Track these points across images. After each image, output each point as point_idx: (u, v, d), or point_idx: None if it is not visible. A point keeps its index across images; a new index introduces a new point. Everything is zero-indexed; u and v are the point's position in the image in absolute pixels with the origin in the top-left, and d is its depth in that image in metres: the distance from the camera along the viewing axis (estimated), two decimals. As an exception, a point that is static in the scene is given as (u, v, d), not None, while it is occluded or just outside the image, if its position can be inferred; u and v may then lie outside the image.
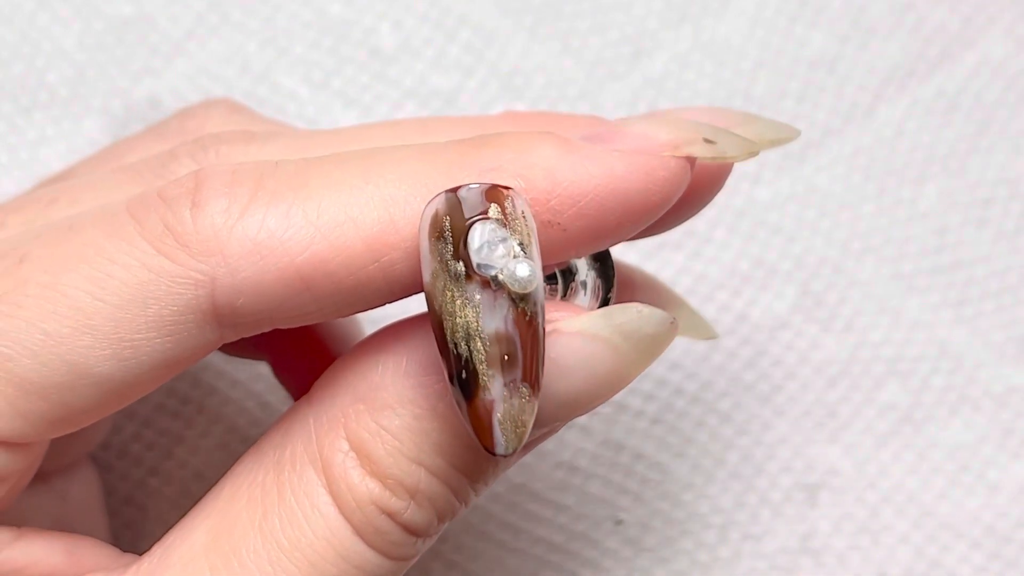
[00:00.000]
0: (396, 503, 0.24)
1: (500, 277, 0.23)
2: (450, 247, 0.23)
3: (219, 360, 0.37)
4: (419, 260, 0.24)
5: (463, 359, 0.23)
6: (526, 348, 0.23)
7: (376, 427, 0.24)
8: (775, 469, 0.37)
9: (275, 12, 0.39)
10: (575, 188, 0.24)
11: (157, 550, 0.25)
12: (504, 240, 0.23)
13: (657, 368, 0.37)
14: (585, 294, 0.27)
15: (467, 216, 0.23)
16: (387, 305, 0.25)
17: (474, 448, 0.24)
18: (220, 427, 0.36)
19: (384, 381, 0.24)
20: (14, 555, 0.26)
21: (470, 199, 0.23)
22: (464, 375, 0.23)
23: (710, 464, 0.37)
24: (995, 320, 0.38)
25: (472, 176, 0.24)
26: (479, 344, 0.23)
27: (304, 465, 0.25)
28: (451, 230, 0.23)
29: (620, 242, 0.25)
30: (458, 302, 0.23)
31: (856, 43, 0.39)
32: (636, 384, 0.37)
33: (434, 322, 0.23)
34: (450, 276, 0.23)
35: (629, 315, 0.24)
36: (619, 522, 0.36)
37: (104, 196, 0.27)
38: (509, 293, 0.23)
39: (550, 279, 0.26)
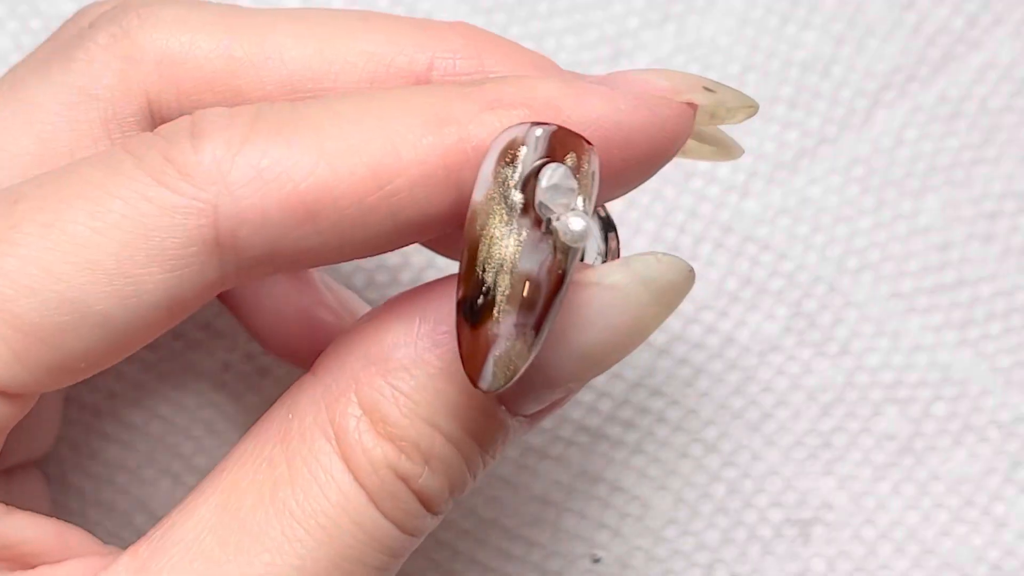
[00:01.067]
0: (411, 467, 0.25)
1: (554, 224, 0.24)
2: (516, 176, 0.24)
3: (167, 386, 0.36)
4: (424, 191, 0.25)
5: (485, 286, 0.24)
6: (548, 298, 0.24)
7: (390, 389, 0.25)
8: (765, 503, 0.37)
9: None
10: (578, 118, 0.25)
11: (156, 532, 0.26)
12: (572, 190, 0.24)
13: (637, 394, 0.37)
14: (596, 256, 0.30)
15: (541, 154, 0.24)
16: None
17: (487, 412, 0.26)
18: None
19: (397, 342, 0.25)
20: (4, 530, 0.26)
21: (549, 138, 0.24)
22: (480, 302, 0.24)
23: (694, 498, 0.37)
24: (1002, 343, 0.38)
25: (475, 108, 0.25)
26: (507, 278, 0.24)
27: (314, 434, 0.25)
28: (523, 161, 0.24)
29: (628, 189, 0.26)
30: (504, 230, 0.24)
31: (853, 44, 0.39)
32: (615, 411, 0.37)
33: (468, 242, 0.24)
34: (505, 203, 0.24)
35: (647, 262, 0.25)
36: (596, 560, 0.36)
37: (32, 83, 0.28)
38: (555, 241, 0.24)
39: None
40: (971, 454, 0.37)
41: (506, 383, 0.24)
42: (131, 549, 0.26)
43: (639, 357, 0.37)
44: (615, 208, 0.37)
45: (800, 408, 0.37)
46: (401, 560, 0.26)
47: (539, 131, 0.24)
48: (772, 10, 0.39)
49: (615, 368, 0.36)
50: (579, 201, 0.24)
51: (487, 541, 0.36)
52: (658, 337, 0.37)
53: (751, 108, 0.27)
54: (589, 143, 0.24)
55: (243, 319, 0.34)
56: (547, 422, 0.36)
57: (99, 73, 0.27)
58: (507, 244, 0.24)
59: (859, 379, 0.37)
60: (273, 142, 0.25)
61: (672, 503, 0.36)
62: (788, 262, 0.38)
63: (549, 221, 0.24)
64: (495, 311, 0.24)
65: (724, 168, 0.38)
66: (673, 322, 0.37)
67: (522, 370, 0.24)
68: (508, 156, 0.24)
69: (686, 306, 0.37)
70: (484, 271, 0.24)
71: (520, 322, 0.24)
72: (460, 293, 0.24)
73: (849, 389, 0.37)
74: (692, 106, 0.26)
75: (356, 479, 0.25)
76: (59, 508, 0.36)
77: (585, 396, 0.36)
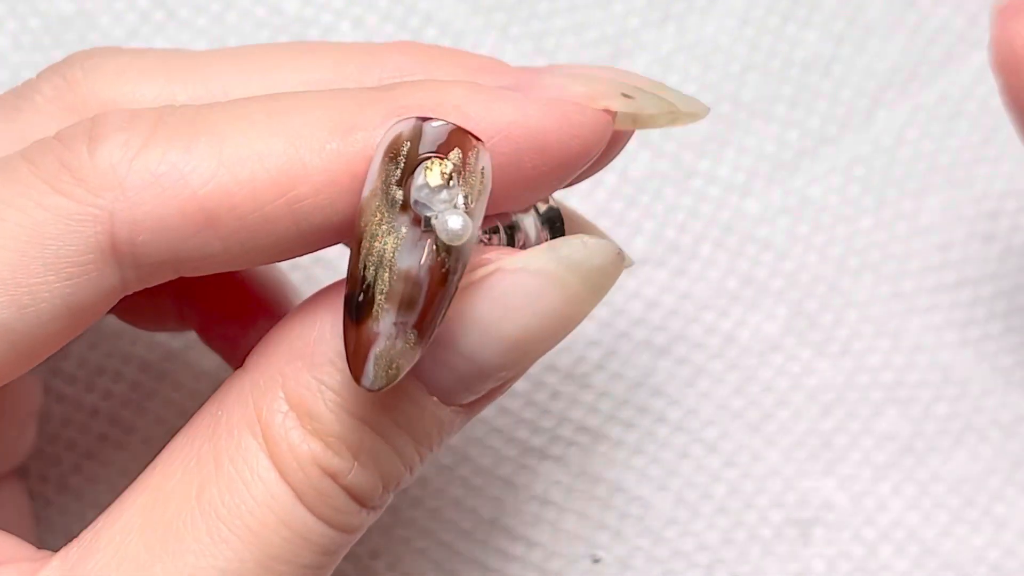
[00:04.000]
0: (339, 463, 0.25)
1: (433, 222, 0.24)
2: (398, 172, 0.24)
3: (167, 387, 0.36)
4: (328, 199, 0.25)
5: (366, 283, 0.24)
6: (431, 297, 0.24)
7: (316, 383, 0.25)
8: (765, 503, 0.37)
9: (226, 9, 0.39)
10: (486, 124, 0.25)
11: (86, 535, 0.25)
12: (451, 187, 0.24)
13: (638, 394, 0.37)
14: None
15: (429, 150, 0.24)
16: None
17: (417, 403, 0.25)
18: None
19: (323, 335, 0.25)
20: None
21: (434, 134, 0.24)
22: (362, 299, 0.24)
23: (695, 498, 0.37)
24: (1003, 343, 0.38)
25: (383, 113, 0.25)
26: (386, 275, 0.23)
27: (242, 431, 0.25)
28: (406, 156, 0.24)
29: (545, 194, 0.26)
30: (384, 227, 0.24)
31: (853, 44, 0.39)
32: (615, 411, 0.37)
33: (355, 238, 0.24)
34: (386, 199, 0.24)
35: (574, 246, 0.25)
36: (596, 560, 0.36)
37: None
38: (435, 239, 0.24)
39: (492, 231, 0.27)
40: (972, 454, 0.37)
41: (388, 383, 0.23)
42: (62, 552, 0.25)
43: (639, 357, 0.36)
44: (615, 206, 0.37)
45: (801, 408, 0.37)
46: (337, 557, 0.26)
47: (430, 126, 0.24)
48: (773, 10, 0.39)
49: (615, 368, 0.36)
50: (461, 199, 0.24)
51: (487, 541, 0.36)
52: (658, 337, 0.37)
53: (672, 114, 0.27)
54: (478, 139, 0.24)
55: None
56: (547, 422, 0.36)
57: (43, 124, 0.27)
58: (387, 241, 0.23)
59: (860, 379, 0.37)
60: (173, 147, 0.24)
61: (672, 503, 0.36)
62: (789, 262, 0.38)
63: (429, 220, 0.24)
64: (375, 308, 0.23)
65: (724, 168, 0.37)
66: (673, 322, 0.37)
67: (406, 370, 0.24)
68: (392, 152, 0.24)
69: (686, 306, 0.37)
70: (365, 268, 0.23)
71: (400, 320, 0.23)
72: (347, 289, 0.24)
73: (850, 389, 0.37)
74: (609, 112, 0.26)
75: (282, 477, 0.24)
76: (57, 510, 0.35)
77: (585, 396, 0.36)
